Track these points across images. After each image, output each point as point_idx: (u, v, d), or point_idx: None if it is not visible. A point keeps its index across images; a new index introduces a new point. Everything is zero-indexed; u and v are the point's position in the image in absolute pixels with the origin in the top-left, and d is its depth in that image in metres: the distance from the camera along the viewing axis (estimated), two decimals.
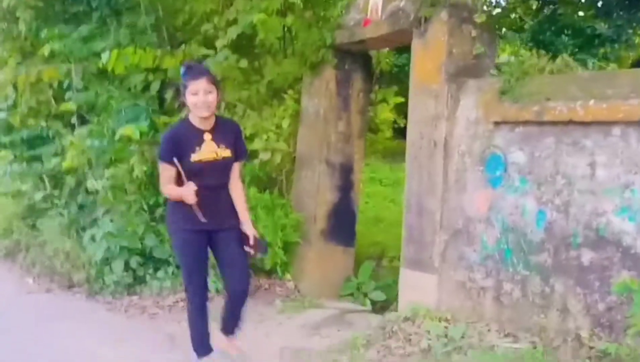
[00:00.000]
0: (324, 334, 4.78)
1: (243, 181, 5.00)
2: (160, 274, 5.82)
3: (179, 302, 5.45)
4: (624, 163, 3.62)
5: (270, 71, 5.86)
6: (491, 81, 4.41)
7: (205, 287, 3.93)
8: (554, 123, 3.91)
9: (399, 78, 11.10)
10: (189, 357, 4.10)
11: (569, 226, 3.86)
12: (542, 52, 4.41)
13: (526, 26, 9.46)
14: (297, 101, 5.99)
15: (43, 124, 7.19)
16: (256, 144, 5.60)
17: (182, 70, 3.70)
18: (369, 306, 5.60)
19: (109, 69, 5.78)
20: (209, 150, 3.64)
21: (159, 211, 6.19)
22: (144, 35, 6.18)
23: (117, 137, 5.73)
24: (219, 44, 5.57)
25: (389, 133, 13.67)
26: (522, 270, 4.11)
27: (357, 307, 5.50)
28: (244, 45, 6.18)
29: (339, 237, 5.95)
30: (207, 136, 3.66)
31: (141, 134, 5.69)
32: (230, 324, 4.07)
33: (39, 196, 7.10)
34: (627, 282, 3.52)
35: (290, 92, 5.92)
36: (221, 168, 3.73)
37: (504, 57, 6.30)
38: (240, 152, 3.88)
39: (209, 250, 3.89)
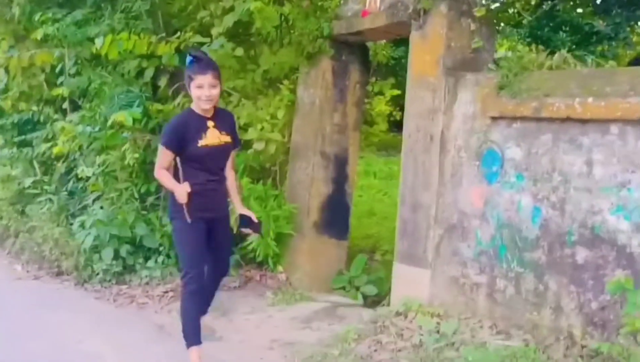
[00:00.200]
0: (314, 328, 4.75)
1: (236, 171, 4.98)
2: (150, 263, 5.78)
3: (169, 293, 5.41)
4: (621, 161, 3.59)
5: (266, 60, 5.79)
6: (489, 76, 4.37)
7: (203, 275, 4.03)
8: (551, 119, 3.87)
9: (396, 70, 11.07)
10: (178, 347, 4.07)
11: (564, 224, 3.83)
12: (541, 47, 4.37)
13: (524, 21, 9.43)
14: (293, 91, 5.93)
15: (34, 108, 7.15)
16: (250, 134, 5.54)
17: (187, 59, 3.84)
18: (360, 300, 5.56)
19: (103, 54, 5.72)
20: (213, 136, 3.85)
21: (150, 200, 6.16)
22: (139, 21, 6.10)
23: (109, 123, 5.67)
24: (214, 31, 5.50)
25: (384, 126, 13.67)
26: (516, 267, 4.08)
27: (349, 301, 5.47)
28: (240, 33, 6.13)
29: (332, 230, 5.91)
30: (210, 123, 3.86)
31: (134, 120, 5.62)
32: (206, 305, 4.30)
33: (28, 181, 7.04)
34: (621, 281, 3.50)
35: (285, 82, 5.86)
36: (223, 153, 3.96)
37: (501, 52, 6.27)
38: (236, 140, 4.11)
39: None
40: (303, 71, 5.89)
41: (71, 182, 6.84)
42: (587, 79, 3.80)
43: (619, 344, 3.50)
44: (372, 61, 6.26)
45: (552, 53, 4.32)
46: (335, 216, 5.92)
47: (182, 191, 3.75)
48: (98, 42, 5.64)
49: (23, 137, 7.25)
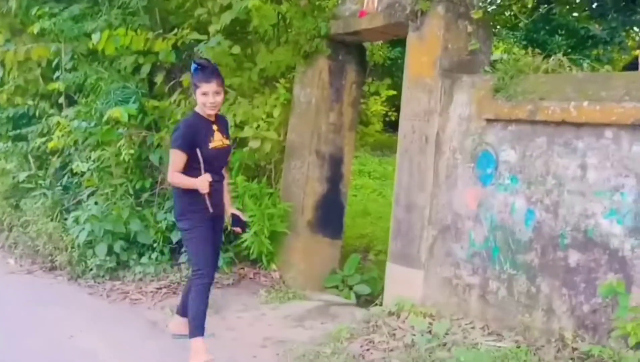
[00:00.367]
0: (307, 326, 4.76)
1: (231, 169, 4.98)
2: (144, 259, 5.77)
3: (162, 289, 5.41)
4: (615, 166, 3.61)
5: (262, 59, 5.80)
6: (485, 78, 4.39)
7: (216, 269, 4.29)
8: (546, 123, 3.89)
9: (392, 71, 11.08)
10: (171, 344, 4.07)
11: (558, 227, 3.85)
12: (536, 51, 4.39)
13: (521, 24, 9.45)
14: (289, 90, 5.93)
15: (30, 103, 7.13)
16: (246, 132, 5.54)
17: (192, 67, 4.01)
18: (353, 299, 5.58)
19: (99, 49, 5.71)
20: (218, 139, 4.04)
21: (144, 196, 6.16)
22: (136, 17, 6.11)
23: (105, 119, 5.66)
24: (212, 29, 5.50)
25: (379, 126, 13.66)
26: (508, 269, 4.10)
27: (342, 300, 5.49)
28: (237, 31, 6.13)
29: (326, 229, 5.92)
30: (215, 127, 4.06)
31: (130, 117, 5.63)
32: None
33: (23, 175, 7.01)
34: (613, 284, 3.54)
35: (282, 80, 5.86)
36: (226, 154, 4.21)
37: (497, 55, 6.28)
38: (231, 143, 4.33)
39: None
40: (299, 70, 5.89)
41: (66, 177, 6.82)
42: (583, 83, 3.82)
43: (610, 347, 3.53)
44: (368, 61, 6.27)
45: (548, 56, 4.34)
46: (330, 215, 5.93)
47: (204, 180, 3.88)
48: (95, 37, 5.64)
49: (18, 131, 7.23)
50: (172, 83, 6.24)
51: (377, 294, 5.38)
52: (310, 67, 5.79)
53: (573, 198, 3.78)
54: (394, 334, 4.27)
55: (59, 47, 6.26)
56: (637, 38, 10.92)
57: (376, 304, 4.95)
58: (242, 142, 5.64)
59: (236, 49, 5.50)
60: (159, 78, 6.18)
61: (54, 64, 6.51)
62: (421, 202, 4.64)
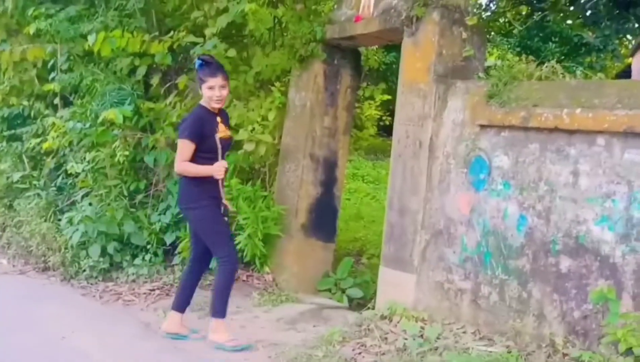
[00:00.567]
0: (299, 329, 4.77)
1: (226, 171, 4.98)
2: (137, 261, 5.77)
3: (155, 291, 5.41)
4: (607, 173, 3.65)
5: (258, 62, 5.82)
6: (479, 84, 4.42)
7: (237, 253, 4.62)
8: (539, 129, 3.93)
9: (387, 76, 11.13)
10: (164, 346, 4.08)
11: (549, 233, 3.88)
12: (530, 57, 4.42)
13: (515, 31, 9.50)
14: (284, 94, 5.95)
15: (25, 103, 7.12)
16: (241, 135, 5.56)
17: (197, 63, 4.21)
18: (346, 303, 5.59)
19: (95, 51, 5.72)
20: (223, 130, 4.26)
21: (139, 197, 6.16)
22: (133, 19, 6.11)
23: (100, 120, 5.67)
24: (208, 32, 5.53)
25: (373, 130, 13.71)
26: (500, 274, 4.13)
27: (335, 303, 5.49)
28: (233, 34, 6.16)
29: (320, 233, 5.94)
30: (219, 119, 4.27)
31: (125, 118, 5.63)
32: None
33: (17, 175, 6.99)
34: (604, 291, 3.56)
35: (277, 84, 5.88)
36: (229, 145, 4.41)
37: (491, 61, 6.32)
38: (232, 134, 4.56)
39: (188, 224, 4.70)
40: (295, 74, 5.92)
41: (60, 177, 6.81)
42: (576, 91, 3.86)
43: (600, 353, 3.56)
44: (363, 66, 6.29)
45: (542, 63, 4.37)
46: (323, 219, 5.95)
47: (219, 166, 4.15)
48: (91, 38, 5.64)
49: (13, 131, 7.22)
50: (167, 85, 6.25)
51: (370, 297, 5.41)
52: (305, 71, 5.81)
53: (565, 204, 3.82)
54: (386, 338, 4.28)
55: (55, 48, 6.26)
56: (630, 46, 11.00)
57: (368, 308, 4.96)
58: (237, 145, 5.65)
59: (232, 52, 5.53)
60: (154, 80, 6.19)
61: (49, 64, 6.51)
62: (414, 206, 4.67)
